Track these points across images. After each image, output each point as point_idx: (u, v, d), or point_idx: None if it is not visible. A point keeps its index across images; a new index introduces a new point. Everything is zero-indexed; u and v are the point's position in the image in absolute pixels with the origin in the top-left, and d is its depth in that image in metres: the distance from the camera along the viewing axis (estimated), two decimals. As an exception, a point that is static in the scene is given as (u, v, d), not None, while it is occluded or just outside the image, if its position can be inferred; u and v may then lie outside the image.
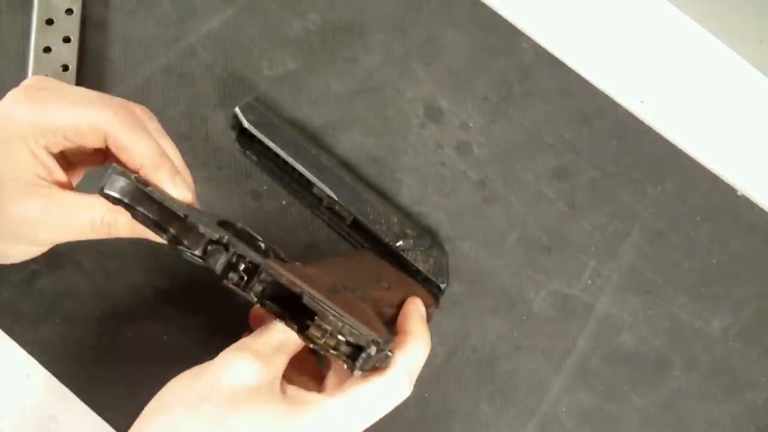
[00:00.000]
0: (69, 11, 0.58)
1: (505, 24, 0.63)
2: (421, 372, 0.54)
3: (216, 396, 0.39)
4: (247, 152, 0.57)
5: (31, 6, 0.58)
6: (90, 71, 0.58)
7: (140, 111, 0.44)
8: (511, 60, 0.62)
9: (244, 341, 0.41)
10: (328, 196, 0.55)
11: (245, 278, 0.39)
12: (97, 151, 0.46)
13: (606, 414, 0.55)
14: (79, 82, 0.57)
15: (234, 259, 0.40)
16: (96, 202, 0.42)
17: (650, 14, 0.65)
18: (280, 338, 0.41)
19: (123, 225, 0.42)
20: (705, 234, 0.59)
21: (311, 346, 0.39)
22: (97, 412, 0.52)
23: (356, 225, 0.55)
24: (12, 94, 0.43)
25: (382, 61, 0.61)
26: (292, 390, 0.41)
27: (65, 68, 0.57)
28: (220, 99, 0.59)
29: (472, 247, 0.57)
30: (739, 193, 0.60)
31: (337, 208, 0.55)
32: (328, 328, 0.38)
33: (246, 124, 0.55)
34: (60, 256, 0.54)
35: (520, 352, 0.55)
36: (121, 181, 0.40)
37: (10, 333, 0.52)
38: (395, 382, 0.41)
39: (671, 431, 0.55)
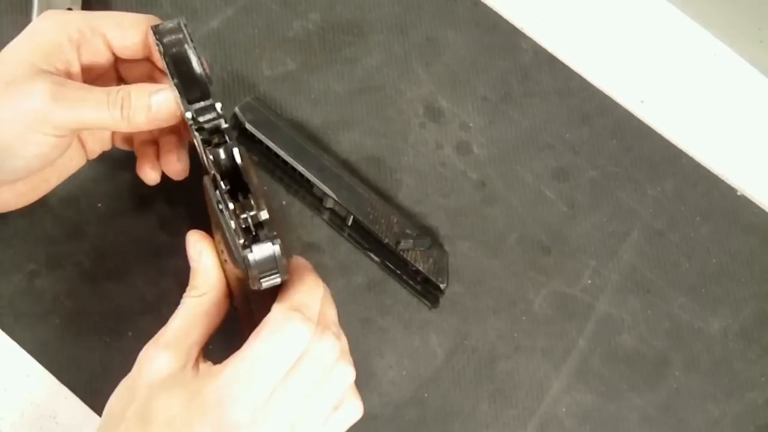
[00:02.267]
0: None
1: (505, 24, 0.63)
2: (421, 372, 0.54)
3: (137, 396, 0.40)
4: (247, 152, 0.57)
5: (31, 6, 0.58)
6: (90, 71, 0.58)
7: None
8: (511, 60, 0.62)
9: (156, 336, 0.42)
10: (328, 196, 0.55)
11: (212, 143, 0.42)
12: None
13: (606, 414, 0.55)
14: (79, 82, 0.57)
15: (215, 126, 0.42)
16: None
17: (650, 14, 0.65)
18: (187, 323, 0.42)
19: (137, 100, 0.43)
20: (705, 234, 0.59)
21: (223, 209, 0.40)
22: (97, 412, 0.52)
23: (356, 225, 0.55)
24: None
25: (382, 61, 0.61)
26: (204, 367, 0.41)
27: (65, 68, 0.57)
28: (220, 99, 0.58)
29: (472, 247, 0.57)
30: (739, 193, 0.60)
31: (337, 208, 0.55)
32: (253, 207, 0.39)
33: (246, 124, 0.55)
34: (60, 256, 0.54)
35: (520, 352, 0.55)
36: (174, 23, 0.44)
37: (10, 333, 0.52)
38: (281, 320, 0.39)
39: (671, 431, 0.55)
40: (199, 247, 0.44)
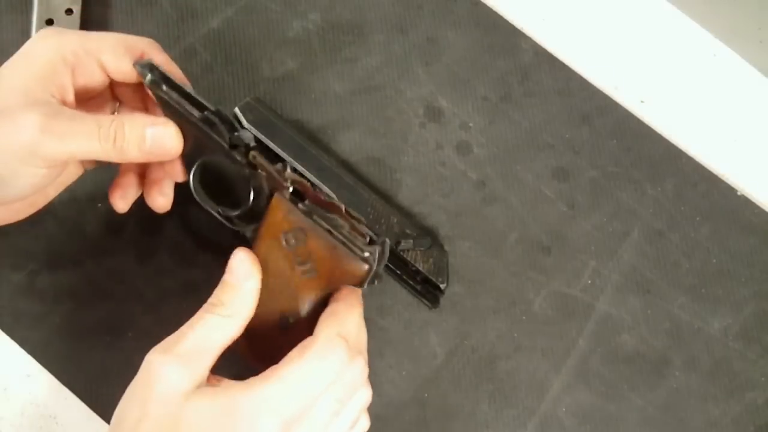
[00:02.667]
0: (69, 11, 0.58)
1: (505, 24, 0.63)
2: (421, 372, 0.54)
3: (153, 409, 0.39)
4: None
5: (31, 6, 0.58)
6: (90, 71, 0.58)
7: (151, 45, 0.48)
8: (511, 60, 0.62)
9: (167, 343, 0.41)
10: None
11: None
12: None
13: (606, 414, 0.55)
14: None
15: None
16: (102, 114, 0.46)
17: (650, 14, 0.65)
18: (207, 341, 0.41)
19: (131, 133, 0.43)
20: (705, 234, 0.59)
21: (320, 217, 0.42)
22: (97, 412, 0.52)
23: None
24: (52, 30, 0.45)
25: (382, 61, 0.61)
26: (226, 381, 0.41)
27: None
28: (220, 99, 0.59)
29: (472, 247, 0.57)
30: (739, 193, 0.60)
31: None
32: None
33: (246, 124, 0.55)
34: (60, 256, 0.54)
35: (520, 352, 0.55)
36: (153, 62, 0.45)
37: (10, 333, 0.52)
38: (329, 346, 0.40)
39: (671, 431, 0.55)
40: (248, 269, 0.43)
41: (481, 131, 0.60)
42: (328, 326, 0.41)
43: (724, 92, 0.64)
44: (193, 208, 0.56)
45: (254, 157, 0.44)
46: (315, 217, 0.42)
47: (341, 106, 0.60)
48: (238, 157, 0.44)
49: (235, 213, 0.46)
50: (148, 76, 0.45)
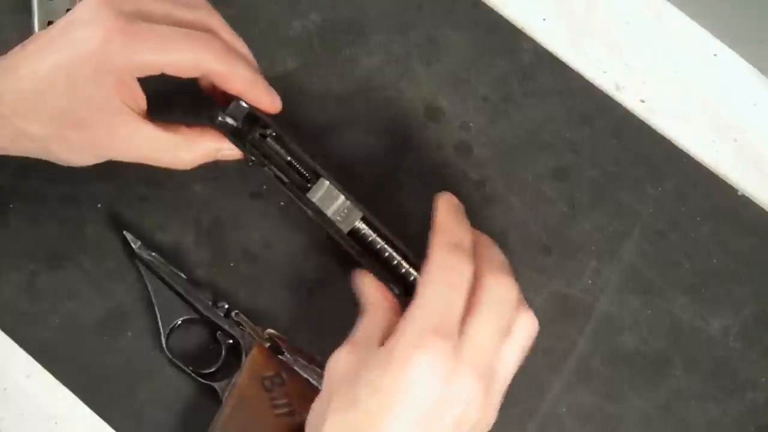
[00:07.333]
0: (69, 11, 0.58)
1: (505, 24, 0.63)
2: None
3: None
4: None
5: (31, 6, 0.57)
6: (90, 71, 0.58)
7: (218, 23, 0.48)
8: (512, 60, 0.62)
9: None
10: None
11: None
12: None
13: (606, 414, 0.55)
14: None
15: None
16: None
17: (650, 14, 0.65)
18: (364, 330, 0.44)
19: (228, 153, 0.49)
20: (705, 234, 0.59)
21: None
22: (97, 412, 0.52)
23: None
24: (102, 29, 0.43)
25: (383, 61, 0.61)
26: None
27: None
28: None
29: (472, 247, 0.57)
30: (739, 193, 0.60)
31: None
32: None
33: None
34: (60, 256, 0.54)
35: (520, 352, 0.55)
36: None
37: (10, 333, 0.52)
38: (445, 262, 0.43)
39: (671, 431, 0.55)
40: (372, 283, 0.47)
41: (482, 131, 0.60)
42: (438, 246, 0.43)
43: (724, 92, 0.63)
44: (192, 210, 0.56)
45: (237, 314, 0.51)
46: (296, 366, 0.49)
47: (341, 106, 0.60)
48: (221, 314, 0.51)
49: (212, 369, 0.51)
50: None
